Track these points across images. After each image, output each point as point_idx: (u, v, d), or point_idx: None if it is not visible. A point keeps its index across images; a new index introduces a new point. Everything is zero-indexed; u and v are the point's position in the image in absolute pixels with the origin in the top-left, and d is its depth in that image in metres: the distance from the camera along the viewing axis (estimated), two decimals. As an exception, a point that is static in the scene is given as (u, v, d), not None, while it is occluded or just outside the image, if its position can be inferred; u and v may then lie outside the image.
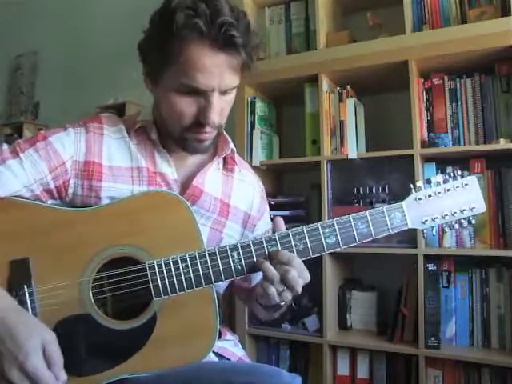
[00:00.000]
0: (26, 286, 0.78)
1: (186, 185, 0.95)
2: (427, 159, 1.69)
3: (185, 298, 0.81)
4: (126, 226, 0.83)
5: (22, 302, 0.77)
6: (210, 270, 0.81)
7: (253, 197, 1.06)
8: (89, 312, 0.80)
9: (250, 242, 0.82)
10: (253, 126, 1.93)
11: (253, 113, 1.94)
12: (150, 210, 0.84)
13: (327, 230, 0.84)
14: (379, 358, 1.71)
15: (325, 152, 1.75)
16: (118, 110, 2.43)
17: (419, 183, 0.88)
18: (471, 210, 0.88)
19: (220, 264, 0.81)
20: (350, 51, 1.74)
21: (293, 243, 0.83)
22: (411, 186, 0.88)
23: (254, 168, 1.28)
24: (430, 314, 1.56)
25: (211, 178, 0.98)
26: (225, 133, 0.99)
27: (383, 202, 1.68)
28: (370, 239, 0.85)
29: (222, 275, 0.81)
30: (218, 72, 0.81)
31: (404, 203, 0.87)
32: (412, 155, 1.60)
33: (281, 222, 0.85)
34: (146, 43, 0.86)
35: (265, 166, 1.93)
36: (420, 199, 0.88)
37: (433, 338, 1.55)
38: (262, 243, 0.83)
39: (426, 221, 0.87)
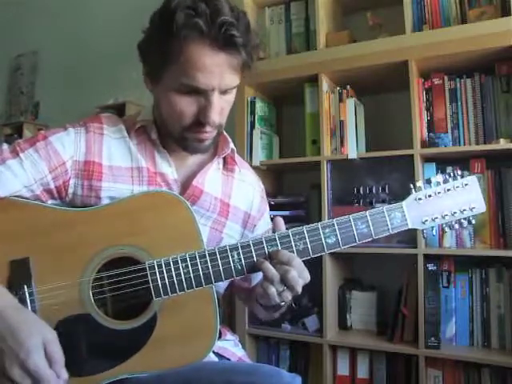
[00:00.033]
0: (26, 286, 0.78)
1: (186, 185, 0.95)
2: (427, 159, 1.69)
3: (185, 298, 0.81)
4: (126, 226, 0.83)
5: (22, 302, 0.77)
6: (210, 270, 0.81)
7: (253, 197, 1.06)
8: (89, 312, 0.80)
9: (250, 242, 0.82)
10: (253, 126, 1.93)
11: (253, 113, 1.94)
12: (150, 209, 0.84)
13: (327, 230, 0.84)
14: (379, 358, 1.71)
15: (325, 152, 1.75)
16: (118, 110, 2.43)
17: (419, 183, 0.88)
18: (471, 210, 0.88)
19: (220, 264, 0.81)
20: (350, 51, 1.74)
21: (293, 243, 0.83)
22: (411, 186, 0.88)
23: (254, 168, 1.28)
24: (430, 313, 1.56)
25: (211, 178, 0.98)
26: (225, 133, 0.99)
27: (383, 201, 1.68)
28: (370, 239, 0.86)
29: (222, 275, 0.81)
30: (218, 71, 0.81)
31: (404, 203, 0.87)
32: (412, 155, 1.60)
33: (281, 221, 0.85)
34: (146, 43, 0.87)
35: (265, 166, 1.93)
36: (420, 199, 0.88)
37: (433, 338, 1.55)
38: (262, 243, 0.83)
39: (426, 221, 0.88)
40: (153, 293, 0.81)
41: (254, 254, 0.82)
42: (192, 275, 0.81)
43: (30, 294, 0.79)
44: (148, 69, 0.89)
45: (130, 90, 2.49)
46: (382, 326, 1.76)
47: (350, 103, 1.77)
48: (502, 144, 1.51)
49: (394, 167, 1.69)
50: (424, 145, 1.64)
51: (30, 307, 0.78)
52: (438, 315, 1.57)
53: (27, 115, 3.17)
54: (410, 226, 0.87)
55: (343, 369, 1.76)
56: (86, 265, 0.81)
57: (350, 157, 1.72)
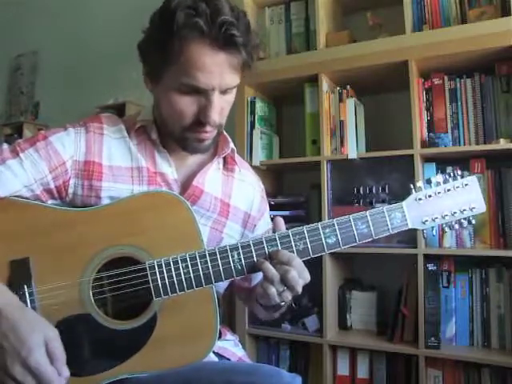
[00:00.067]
0: (26, 286, 0.78)
1: (186, 185, 0.95)
2: (427, 159, 1.69)
3: (185, 298, 0.81)
4: (126, 226, 0.83)
5: (22, 302, 0.77)
6: (210, 270, 0.81)
7: (253, 196, 1.06)
8: (89, 312, 0.80)
9: (250, 242, 0.82)
10: (253, 126, 1.93)
11: (253, 113, 1.94)
12: (150, 209, 0.84)
13: (327, 230, 0.84)
14: (379, 358, 1.71)
15: (325, 152, 1.75)
16: (118, 110, 2.43)
17: (419, 183, 0.89)
18: (471, 210, 0.88)
19: (220, 264, 0.81)
20: (350, 51, 1.74)
21: (293, 243, 0.83)
22: (411, 186, 0.88)
23: (254, 168, 1.28)
24: (430, 313, 1.56)
25: (211, 178, 0.98)
26: (225, 132, 0.99)
27: (383, 202, 1.68)
28: (370, 239, 0.86)
29: (222, 275, 0.81)
30: (218, 71, 0.81)
31: (404, 203, 0.87)
32: (412, 155, 1.60)
33: (281, 221, 0.85)
34: (146, 43, 0.87)
35: (265, 166, 1.93)
36: (420, 199, 0.88)
37: (433, 338, 1.55)
38: (262, 243, 0.82)
39: (426, 221, 0.88)
40: (153, 293, 0.81)
41: (254, 254, 0.82)
42: (192, 275, 0.81)
43: (30, 294, 0.78)
44: (148, 69, 0.89)
45: (130, 90, 2.49)
46: (381, 326, 1.76)
47: (350, 103, 1.77)
48: (502, 144, 1.51)
49: (394, 167, 1.69)
50: (424, 145, 1.64)
51: (29, 307, 0.78)
52: (438, 315, 1.57)
53: (27, 115, 3.17)
54: (410, 226, 0.87)
55: (343, 369, 1.76)
56: (86, 265, 0.81)
57: (350, 157, 1.72)
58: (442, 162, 1.66)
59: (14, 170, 0.83)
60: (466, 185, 0.89)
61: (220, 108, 0.86)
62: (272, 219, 0.91)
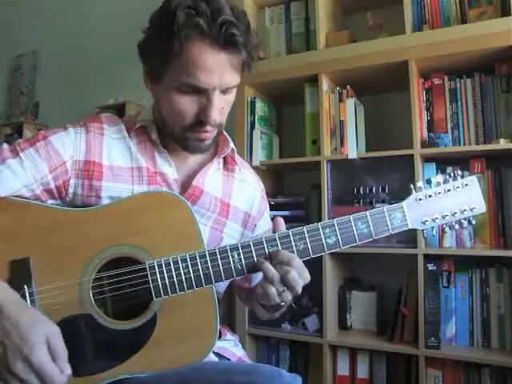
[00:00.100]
0: (26, 286, 0.78)
1: (186, 184, 0.95)
2: (427, 159, 1.69)
3: (185, 298, 0.81)
4: (127, 226, 0.83)
5: (23, 302, 0.77)
6: (211, 270, 0.81)
7: (253, 196, 1.06)
8: (89, 312, 0.80)
9: (251, 242, 0.82)
10: (253, 126, 1.93)
11: (253, 113, 1.94)
12: (151, 209, 0.84)
13: (327, 230, 0.84)
14: (379, 358, 1.71)
15: (325, 152, 1.75)
16: (118, 110, 2.43)
17: (419, 183, 0.89)
18: (471, 210, 0.88)
19: (220, 264, 0.81)
20: (350, 51, 1.74)
21: (293, 243, 0.83)
22: (411, 186, 0.88)
23: (254, 168, 1.28)
24: (430, 313, 1.56)
25: (211, 178, 0.98)
26: (225, 132, 0.99)
27: (383, 202, 1.68)
28: (370, 239, 0.86)
29: (223, 275, 0.81)
30: (218, 70, 0.81)
31: (404, 203, 0.87)
32: (412, 155, 1.60)
33: (281, 221, 0.85)
34: (147, 43, 0.87)
35: (265, 166, 1.93)
36: (420, 199, 0.88)
37: (433, 338, 1.55)
38: (263, 243, 0.82)
39: (427, 221, 0.88)
40: (153, 293, 0.81)
41: (254, 254, 0.82)
42: (192, 275, 0.81)
43: (30, 294, 0.78)
44: (148, 68, 0.90)
45: (130, 90, 2.49)
46: (382, 326, 1.76)
47: (350, 103, 1.77)
48: (502, 144, 1.51)
49: (394, 167, 1.69)
50: (424, 145, 1.64)
51: None
52: (438, 315, 1.57)
53: (27, 115, 3.17)
54: (410, 227, 0.87)
55: (343, 369, 1.76)
56: (86, 265, 0.81)
57: (350, 157, 1.72)
58: (442, 162, 1.66)
59: (14, 169, 0.83)
60: (466, 185, 0.89)
61: (220, 107, 0.86)
62: (272, 219, 0.91)
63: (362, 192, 1.73)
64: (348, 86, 1.80)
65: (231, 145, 1.00)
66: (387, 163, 1.70)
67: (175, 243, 0.83)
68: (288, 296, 0.81)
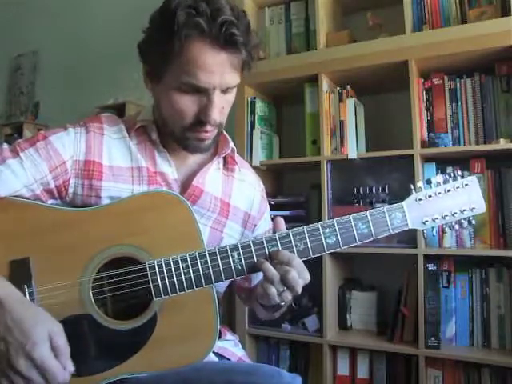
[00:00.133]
0: (26, 286, 0.78)
1: (186, 184, 0.95)
2: (427, 159, 1.69)
3: (185, 298, 0.81)
4: (127, 226, 0.83)
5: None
6: (211, 270, 0.81)
7: (253, 196, 1.06)
8: (89, 312, 0.80)
9: (251, 242, 0.82)
10: (253, 126, 1.93)
11: (253, 113, 1.94)
12: (151, 209, 0.84)
13: (327, 230, 0.84)
14: (379, 358, 1.71)
15: (325, 152, 1.75)
16: (118, 110, 2.43)
17: (419, 183, 0.89)
18: (471, 210, 0.88)
19: (220, 264, 0.81)
20: (350, 51, 1.74)
21: (293, 243, 0.83)
22: (411, 186, 0.88)
23: (254, 168, 1.28)
24: (430, 313, 1.56)
25: (211, 178, 0.98)
26: (225, 132, 0.99)
27: (383, 202, 1.68)
28: (370, 239, 0.86)
29: (223, 275, 0.81)
30: (219, 70, 0.82)
31: (404, 203, 0.87)
32: (412, 155, 1.60)
33: (281, 221, 0.85)
34: (147, 43, 0.87)
35: (265, 166, 1.93)
36: (420, 200, 0.88)
37: (433, 338, 1.55)
38: (263, 243, 0.82)
39: (427, 221, 0.88)
40: (153, 293, 0.81)
41: (254, 254, 0.82)
42: (192, 275, 0.81)
43: (31, 294, 0.78)
44: (148, 68, 0.90)
45: (130, 90, 2.49)
46: (382, 326, 1.76)
47: (350, 103, 1.77)
48: (502, 144, 1.51)
49: (394, 167, 1.69)
50: (424, 145, 1.64)
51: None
52: (438, 315, 1.57)
53: (27, 115, 3.17)
54: (411, 227, 0.87)
55: (343, 369, 1.76)
56: (86, 265, 0.81)
57: (350, 157, 1.72)
58: (442, 162, 1.66)
59: (14, 169, 0.83)
60: (466, 185, 0.89)
61: (220, 107, 0.87)
62: (272, 219, 0.91)
63: (361, 192, 1.73)
64: (348, 86, 1.80)
65: (231, 145, 1.00)
66: (387, 163, 1.70)
67: (175, 243, 0.83)
68: (288, 296, 0.81)
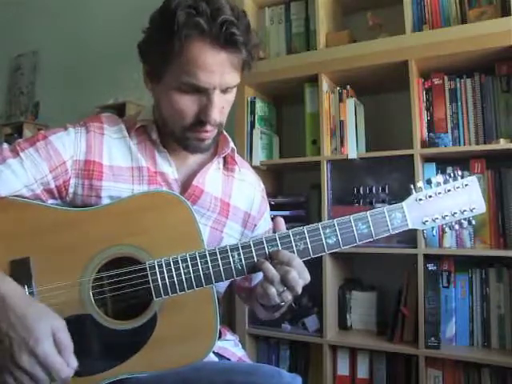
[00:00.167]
0: (26, 286, 0.78)
1: (186, 184, 0.95)
2: (427, 159, 1.69)
3: (185, 298, 0.81)
4: (127, 226, 0.83)
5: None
6: (211, 270, 0.81)
7: (253, 196, 1.06)
8: (89, 312, 0.80)
9: (251, 242, 0.82)
10: (253, 126, 1.93)
11: (253, 113, 1.94)
12: (151, 209, 0.84)
13: (328, 231, 0.84)
14: (379, 358, 1.71)
15: (325, 152, 1.75)
16: (118, 110, 2.43)
17: (420, 184, 0.89)
18: (471, 210, 0.88)
19: (220, 264, 0.81)
20: (350, 51, 1.74)
21: (293, 243, 0.83)
22: (411, 186, 0.88)
23: (254, 168, 1.28)
24: (430, 313, 1.56)
25: (212, 178, 0.98)
26: (225, 132, 0.99)
27: (383, 202, 1.68)
28: (370, 239, 0.86)
29: (223, 275, 0.81)
30: (219, 70, 0.82)
31: (405, 203, 0.87)
32: (412, 155, 1.60)
33: (281, 221, 0.85)
34: (147, 43, 0.87)
35: (265, 165, 1.93)
36: (420, 200, 0.88)
37: (433, 338, 1.55)
38: (263, 243, 0.82)
39: (427, 221, 0.88)
40: (153, 293, 0.81)
41: (254, 254, 0.82)
42: (192, 275, 0.81)
43: (31, 294, 0.78)
44: (148, 68, 0.90)
45: (130, 90, 2.49)
46: (382, 326, 1.76)
47: (350, 103, 1.77)
48: (502, 144, 1.51)
49: (394, 167, 1.69)
50: (424, 145, 1.64)
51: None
52: (438, 315, 1.57)
53: (27, 115, 3.16)
54: (411, 227, 0.87)
55: (343, 369, 1.76)
56: (87, 265, 0.81)
57: (350, 157, 1.72)
58: (442, 162, 1.66)
59: (14, 169, 0.83)
60: (466, 185, 0.89)
61: (220, 107, 0.87)
62: (272, 219, 0.91)
63: (361, 192, 1.73)
64: (348, 86, 1.80)
65: (231, 144, 1.00)
66: (387, 163, 1.70)
67: (175, 243, 0.83)
68: (288, 296, 0.81)
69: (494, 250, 1.56)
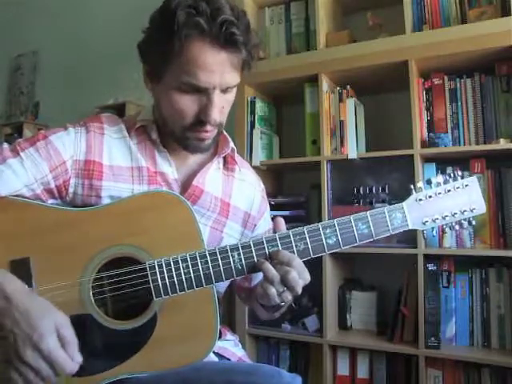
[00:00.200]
0: (26, 286, 0.78)
1: (186, 184, 0.95)
2: (427, 159, 1.69)
3: (185, 298, 0.81)
4: (127, 226, 0.83)
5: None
6: (211, 270, 0.81)
7: (253, 196, 1.06)
8: (89, 312, 0.80)
9: (251, 242, 0.82)
10: (253, 126, 1.93)
11: (253, 113, 1.94)
12: (151, 209, 0.84)
13: (328, 231, 0.84)
14: (379, 358, 1.71)
15: (325, 152, 1.75)
16: (118, 110, 2.43)
17: (420, 184, 0.89)
18: (471, 210, 0.88)
19: (220, 264, 0.81)
20: (350, 51, 1.74)
21: (293, 243, 0.83)
22: (412, 186, 0.88)
23: (254, 168, 1.28)
24: (430, 313, 1.56)
25: (212, 178, 0.98)
26: (225, 132, 0.99)
27: (383, 202, 1.68)
28: (370, 240, 0.85)
29: (223, 275, 0.81)
30: (219, 70, 0.82)
31: (405, 204, 0.87)
32: (412, 155, 1.60)
33: (281, 222, 0.85)
34: (147, 43, 0.87)
35: (265, 166, 1.93)
36: (421, 200, 0.88)
37: (433, 338, 1.55)
38: (263, 243, 0.82)
39: (427, 221, 0.88)
40: (153, 293, 0.81)
41: (254, 254, 0.82)
42: (192, 275, 0.81)
43: (31, 294, 0.78)
44: (148, 68, 0.90)
45: (130, 90, 2.49)
46: (382, 326, 1.76)
47: (350, 103, 1.77)
48: (502, 144, 1.52)
49: (394, 167, 1.69)
50: (424, 145, 1.64)
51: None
52: (438, 315, 1.57)
53: (27, 115, 3.16)
54: (411, 227, 0.87)
55: (343, 369, 1.76)
56: (87, 265, 0.81)
57: (350, 157, 1.72)
58: (442, 162, 1.66)
59: (14, 169, 0.83)
60: (466, 185, 0.89)
61: (220, 107, 0.87)
62: (272, 219, 0.91)
63: (361, 192, 1.73)
64: (348, 86, 1.80)
65: (231, 144, 1.00)
66: (387, 163, 1.70)
67: (175, 243, 0.83)
68: (288, 296, 0.81)
69: (494, 250, 1.56)
